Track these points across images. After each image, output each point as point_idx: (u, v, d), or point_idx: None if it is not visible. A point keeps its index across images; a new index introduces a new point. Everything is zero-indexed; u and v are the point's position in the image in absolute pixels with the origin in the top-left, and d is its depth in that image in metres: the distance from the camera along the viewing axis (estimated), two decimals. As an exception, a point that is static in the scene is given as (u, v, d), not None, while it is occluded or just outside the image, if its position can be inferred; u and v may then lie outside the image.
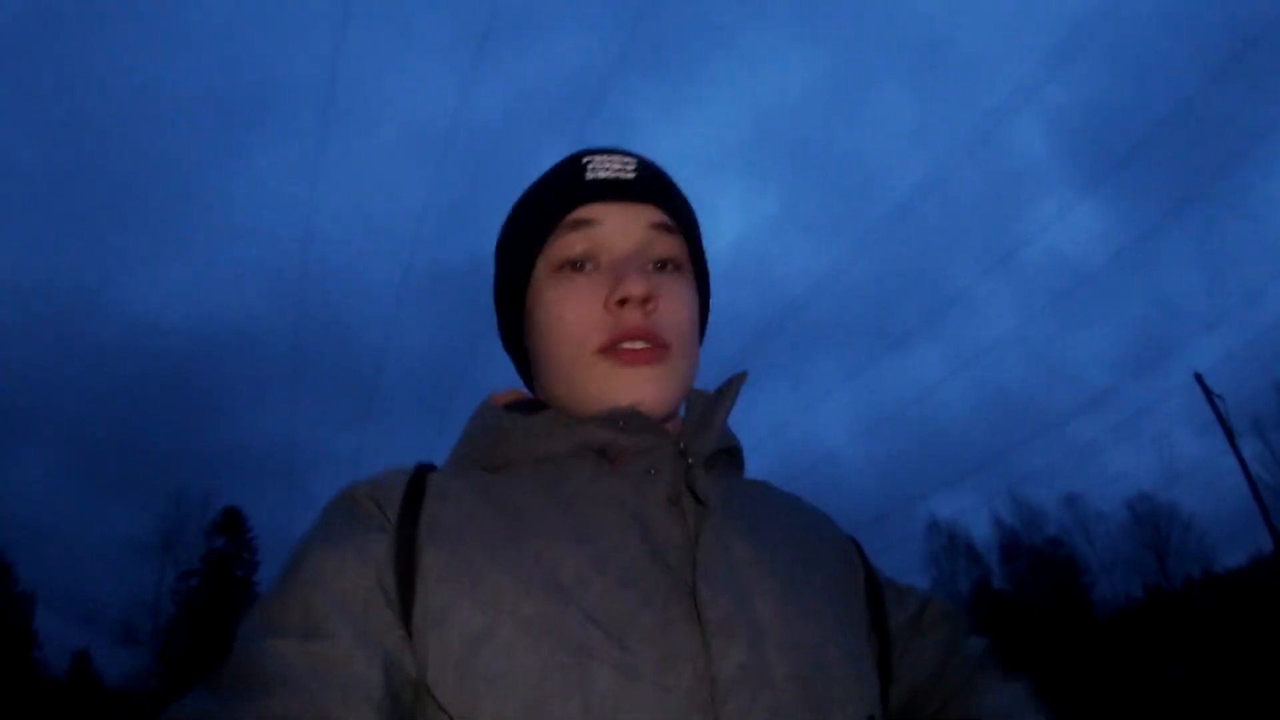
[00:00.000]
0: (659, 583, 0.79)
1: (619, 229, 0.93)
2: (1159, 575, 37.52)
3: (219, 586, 40.17)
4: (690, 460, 0.89)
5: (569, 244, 0.93)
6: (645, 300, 0.88)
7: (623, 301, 0.88)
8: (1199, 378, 20.77)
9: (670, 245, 0.95)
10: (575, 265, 0.93)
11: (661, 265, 0.95)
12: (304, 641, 0.71)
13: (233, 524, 42.88)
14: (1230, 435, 19.95)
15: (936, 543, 44.04)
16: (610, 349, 0.89)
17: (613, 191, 0.94)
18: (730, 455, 1.02)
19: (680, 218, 0.98)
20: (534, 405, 0.97)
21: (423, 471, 0.89)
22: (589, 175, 0.95)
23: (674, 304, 0.92)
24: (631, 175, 0.95)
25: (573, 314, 0.90)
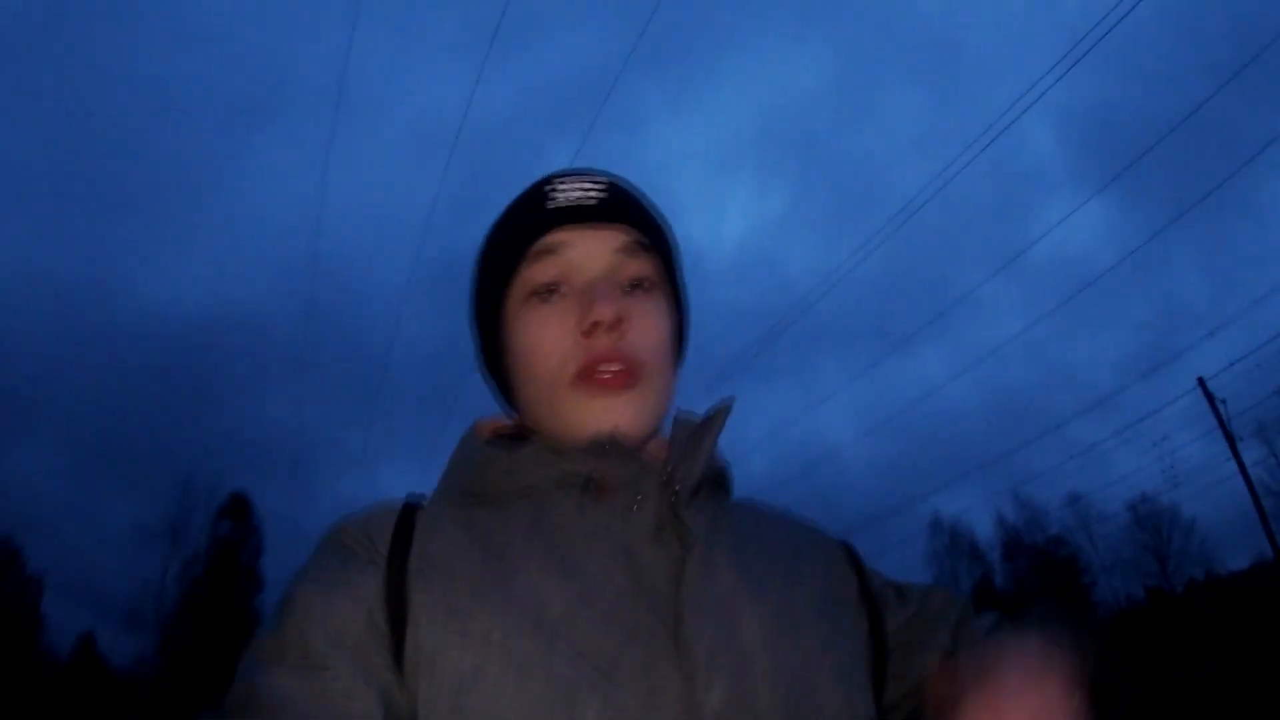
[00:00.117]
0: (645, 617, 0.79)
1: (587, 253, 0.93)
2: (1160, 577, 37.65)
3: (224, 572, 40.29)
4: (676, 490, 0.89)
5: (538, 271, 0.93)
6: (615, 324, 0.89)
7: (593, 327, 0.89)
8: (1201, 382, 20.83)
9: (641, 266, 0.95)
10: (546, 292, 0.93)
11: (634, 286, 0.95)
12: (306, 675, 0.72)
13: (239, 510, 43.04)
14: (1231, 440, 19.98)
15: (939, 541, 44.31)
16: (584, 376, 0.89)
17: (579, 216, 0.94)
18: (717, 479, 1.00)
19: (651, 237, 0.98)
20: (518, 434, 0.98)
21: (411, 507, 0.89)
22: (555, 201, 0.95)
23: (646, 324, 0.93)
24: (597, 198, 0.95)
25: (545, 343, 0.91)
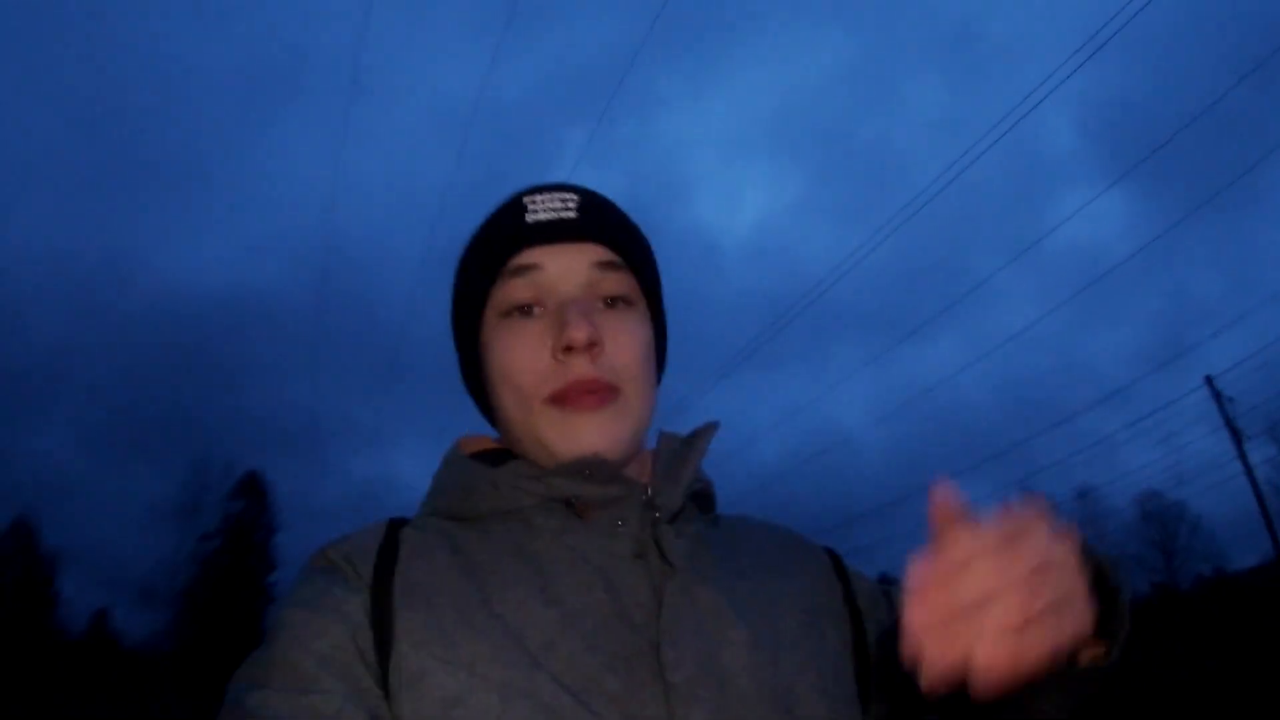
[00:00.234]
0: (625, 644, 0.79)
1: (562, 271, 0.92)
2: (1166, 574, 37.50)
3: (238, 550, 40.48)
4: (658, 513, 0.89)
5: (513, 290, 0.92)
6: (590, 345, 0.88)
7: (568, 348, 0.88)
8: (1209, 380, 20.72)
9: (618, 282, 0.94)
10: (521, 311, 0.92)
11: (611, 303, 0.94)
12: (295, 696, 0.72)
13: (253, 488, 43.27)
14: (1237, 438, 19.86)
15: (949, 531, 44.07)
16: (558, 398, 0.89)
17: (554, 233, 0.93)
18: (701, 498, 1.00)
19: (628, 252, 0.97)
20: (500, 453, 0.97)
21: (395, 528, 0.89)
22: (529, 217, 0.94)
23: (623, 342, 0.92)
24: (572, 214, 0.94)
25: (520, 364, 0.90)
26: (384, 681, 0.76)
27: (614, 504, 0.89)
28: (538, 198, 0.95)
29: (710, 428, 0.99)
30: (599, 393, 0.89)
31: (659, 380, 1.01)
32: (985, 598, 0.60)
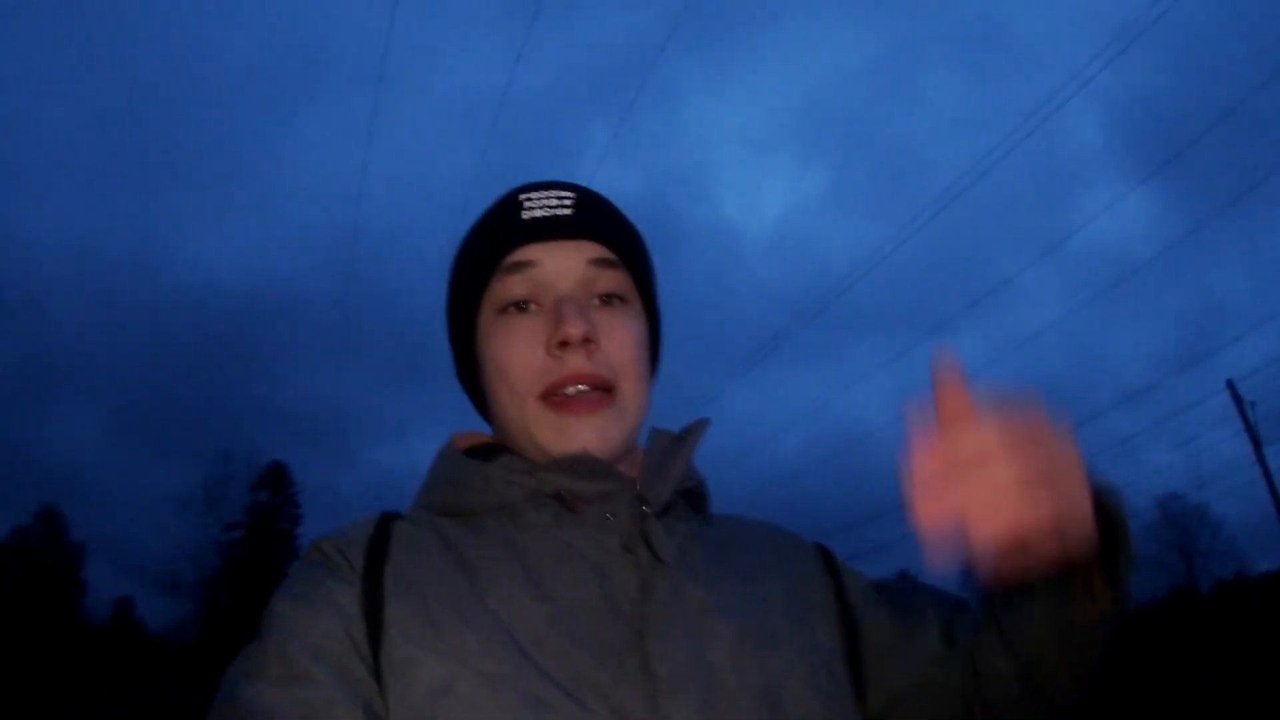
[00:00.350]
0: (613, 637, 0.80)
1: (558, 268, 0.92)
2: (1186, 577, 37.27)
3: (262, 539, 40.82)
4: (647, 508, 0.89)
5: (509, 287, 0.93)
6: (585, 341, 0.88)
7: (564, 344, 0.88)
8: (1230, 385, 20.59)
9: (613, 279, 0.95)
10: (517, 307, 0.92)
11: (606, 300, 0.94)
12: (289, 688, 0.72)
13: (277, 478, 43.76)
14: (1257, 442, 19.63)
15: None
16: (552, 394, 0.89)
17: (550, 230, 0.93)
18: (692, 496, 1.01)
19: (623, 249, 0.97)
20: (493, 448, 0.97)
21: (387, 521, 0.90)
22: (525, 214, 0.94)
23: (618, 339, 0.92)
24: (569, 211, 0.94)
25: (514, 360, 0.90)
26: (377, 672, 0.77)
27: (604, 499, 0.89)
28: (534, 195, 0.96)
29: (701, 424, 0.99)
30: (591, 396, 0.90)
31: (653, 377, 1.02)
32: (983, 457, 0.61)
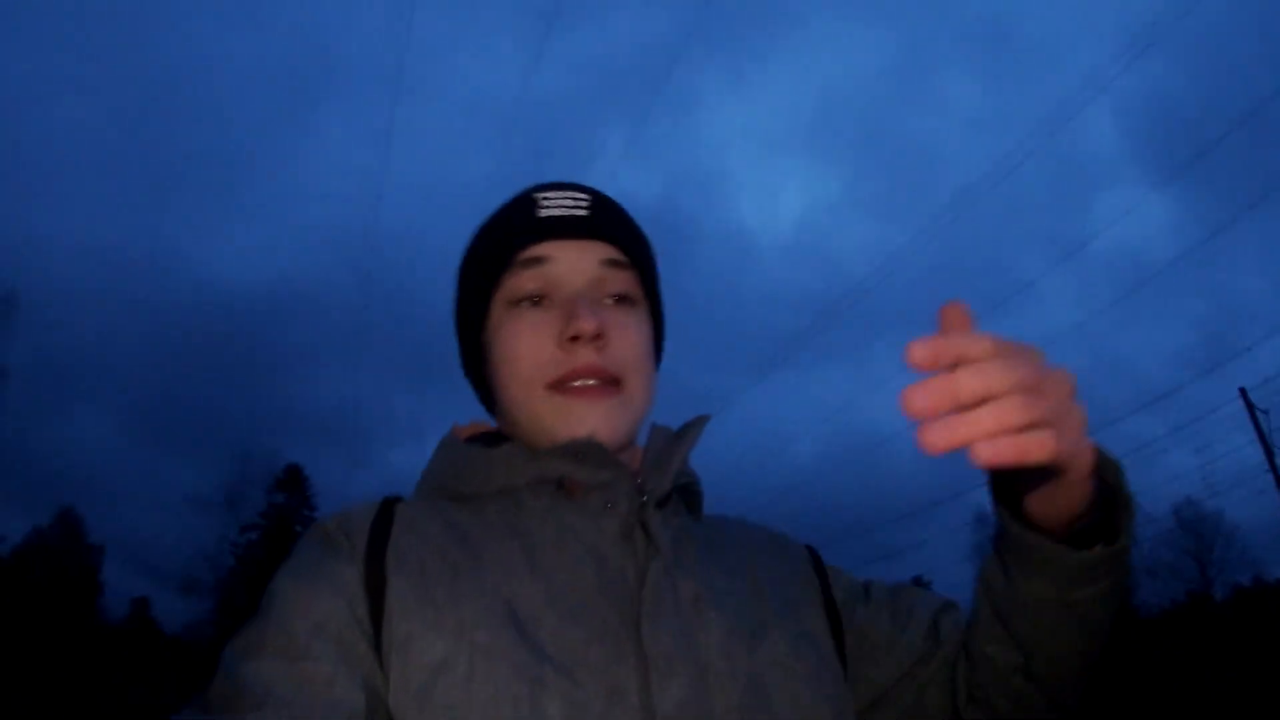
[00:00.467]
0: (609, 619, 0.82)
1: (571, 266, 0.94)
2: (1200, 583, 37.00)
3: (278, 540, 40.72)
4: (645, 498, 0.91)
5: (523, 281, 0.94)
6: (596, 336, 0.90)
7: (575, 338, 0.90)
8: (1243, 392, 20.45)
9: (623, 280, 0.97)
10: (530, 301, 0.94)
11: (616, 300, 0.96)
12: (289, 664, 0.73)
13: (294, 481, 43.81)
14: (1269, 451, 19.60)
15: (984, 533, 43.82)
16: (561, 385, 0.91)
17: (565, 229, 0.95)
18: (687, 493, 1.02)
19: (633, 252, 0.99)
20: (495, 437, 1.00)
21: (390, 503, 0.91)
22: (542, 212, 0.96)
23: (626, 338, 0.94)
24: (584, 212, 0.97)
25: (526, 350, 0.92)
26: (378, 649, 0.78)
27: (605, 487, 0.90)
28: (551, 194, 0.98)
29: (700, 420, 1.00)
30: (600, 386, 0.91)
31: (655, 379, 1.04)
32: (986, 396, 0.61)
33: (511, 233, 0.97)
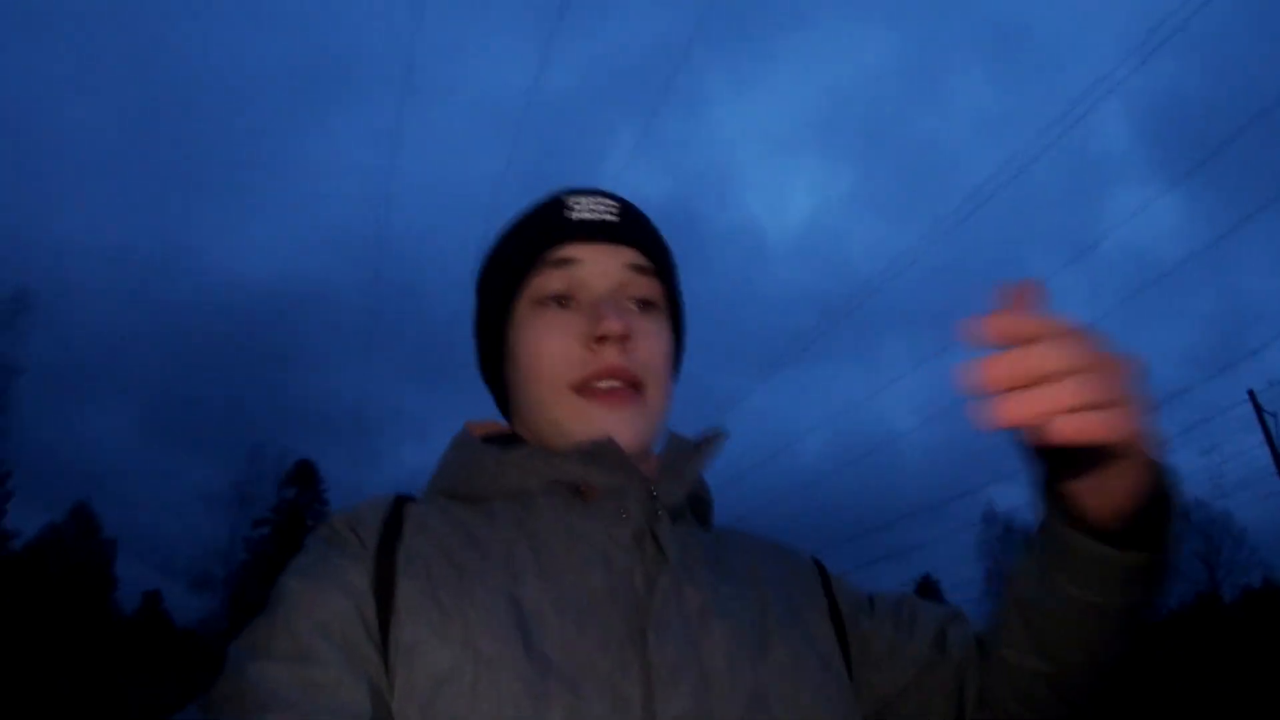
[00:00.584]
0: (616, 628, 0.81)
1: (599, 269, 0.95)
2: (1208, 584, 36.90)
3: (290, 535, 40.76)
4: (658, 508, 0.90)
5: (549, 281, 0.95)
6: (623, 338, 0.90)
7: (601, 339, 0.90)
8: (1251, 395, 20.41)
9: (648, 286, 0.97)
10: (556, 301, 0.94)
11: (640, 305, 0.96)
12: (295, 665, 0.72)
13: (305, 476, 44.08)
14: (1276, 455, 19.57)
15: (992, 532, 43.80)
16: (585, 386, 0.91)
17: (595, 232, 0.96)
18: (699, 505, 1.03)
19: (658, 260, 1.00)
20: (510, 438, 0.99)
21: (401, 502, 0.90)
22: (572, 215, 0.97)
23: (650, 343, 0.94)
24: (613, 218, 0.97)
25: (551, 348, 0.92)
26: (384, 652, 0.76)
27: (619, 492, 0.90)
28: (580, 199, 0.99)
29: (718, 436, 0.99)
30: (623, 389, 0.91)
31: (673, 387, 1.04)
32: (1048, 376, 0.62)
33: (541, 233, 0.97)
